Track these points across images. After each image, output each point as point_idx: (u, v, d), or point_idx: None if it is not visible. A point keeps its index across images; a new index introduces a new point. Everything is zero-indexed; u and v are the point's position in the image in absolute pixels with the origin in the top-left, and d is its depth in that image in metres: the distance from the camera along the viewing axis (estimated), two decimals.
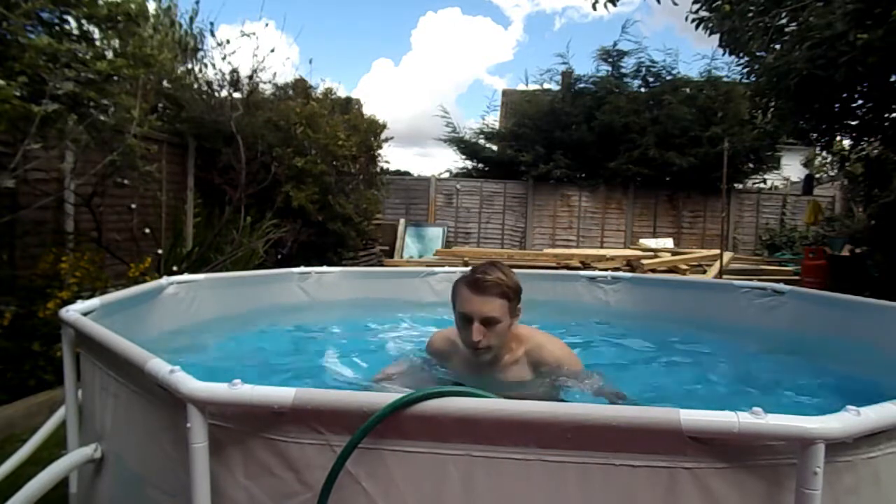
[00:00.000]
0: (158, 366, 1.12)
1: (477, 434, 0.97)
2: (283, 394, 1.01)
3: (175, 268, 4.39)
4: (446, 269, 3.36)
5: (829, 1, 5.81)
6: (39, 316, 3.35)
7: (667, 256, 10.22)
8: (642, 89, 14.20)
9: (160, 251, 4.69)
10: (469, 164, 15.50)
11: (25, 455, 1.78)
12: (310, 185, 7.08)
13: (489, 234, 13.77)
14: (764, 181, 14.56)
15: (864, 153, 8.04)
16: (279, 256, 6.53)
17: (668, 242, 12.69)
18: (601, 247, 12.84)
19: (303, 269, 3.05)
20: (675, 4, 6.77)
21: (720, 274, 8.48)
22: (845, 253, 8.62)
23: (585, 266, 9.10)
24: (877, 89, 6.50)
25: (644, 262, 9.66)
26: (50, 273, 3.68)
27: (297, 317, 2.96)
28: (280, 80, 7.93)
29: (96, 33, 3.66)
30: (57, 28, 3.43)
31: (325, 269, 3.14)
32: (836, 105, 7.15)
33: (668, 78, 14.04)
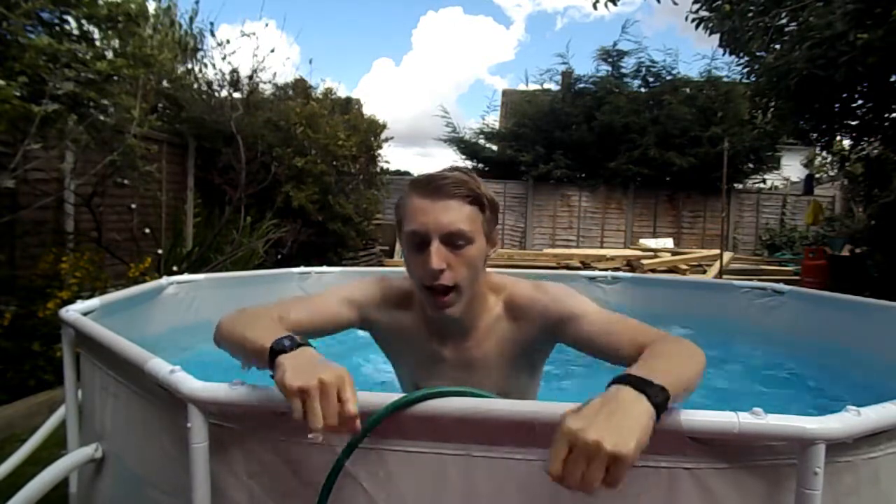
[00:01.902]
0: (158, 366, 1.12)
1: (477, 434, 0.96)
2: None
3: (175, 268, 4.39)
4: None
5: (829, 1, 5.81)
6: (39, 316, 3.35)
7: (667, 256, 10.23)
8: (642, 89, 14.23)
9: (160, 251, 4.69)
10: (469, 164, 15.51)
11: (25, 455, 1.78)
12: (310, 185, 7.08)
13: None
14: (764, 181, 14.58)
15: (864, 153, 8.04)
16: (279, 256, 6.53)
17: (668, 242, 12.70)
18: (601, 247, 12.85)
19: (303, 269, 3.05)
20: (676, 4, 6.78)
21: (720, 274, 8.48)
22: (845, 253, 8.62)
23: (585, 266, 9.10)
24: (877, 89, 6.51)
25: (644, 262, 9.66)
26: (50, 273, 3.68)
27: None
28: (280, 80, 7.95)
29: (96, 33, 3.66)
30: (57, 28, 3.43)
31: (325, 269, 3.14)
32: (836, 105, 7.16)
33: (668, 78, 14.07)
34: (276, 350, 0.96)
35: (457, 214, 1.18)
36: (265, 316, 1.16)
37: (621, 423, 0.77)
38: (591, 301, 1.27)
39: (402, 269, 1.31)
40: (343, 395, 0.87)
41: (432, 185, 1.20)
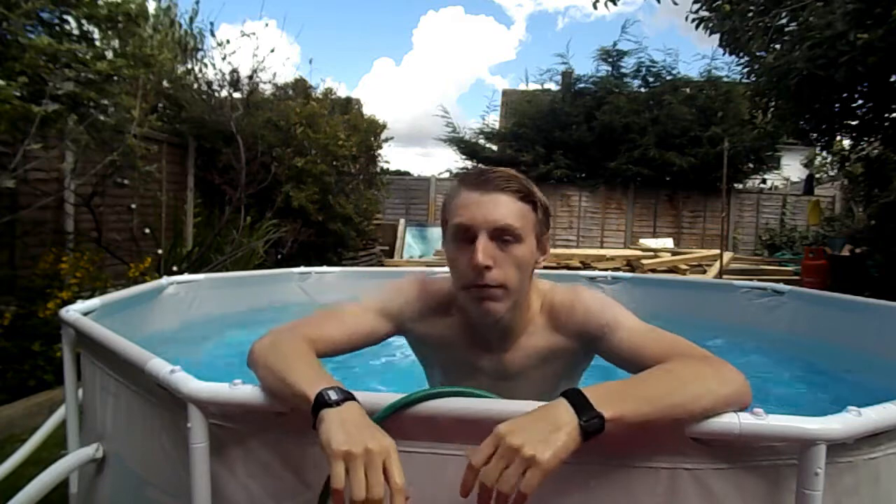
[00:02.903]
0: (159, 366, 1.12)
1: (477, 434, 0.96)
2: None
3: (175, 268, 4.40)
4: (446, 268, 3.35)
5: (829, 1, 5.81)
6: (39, 316, 3.35)
7: (667, 256, 10.22)
8: (642, 89, 14.21)
9: (160, 251, 4.70)
10: (469, 164, 15.51)
11: (25, 455, 1.78)
12: (310, 185, 7.08)
13: None
14: (764, 181, 14.58)
15: (864, 153, 8.04)
16: (279, 256, 6.53)
17: (668, 242, 12.69)
18: (601, 247, 12.85)
19: (303, 269, 3.05)
20: (676, 4, 6.78)
21: (720, 274, 8.48)
22: (845, 253, 8.62)
23: (585, 266, 9.10)
24: (877, 89, 6.51)
25: (644, 262, 9.66)
26: (50, 273, 3.68)
27: (297, 317, 2.96)
28: (280, 80, 7.95)
29: (96, 33, 3.66)
30: (57, 28, 3.43)
31: (325, 269, 3.14)
32: (836, 105, 7.16)
33: (669, 78, 14.05)
34: (321, 402, 0.88)
35: (507, 209, 1.12)
36: (302, 348, 1.07)
37: (546, 436, 0.80)
38: (629, 312, 1.20)
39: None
40: (389, 465, 0.82)
41: (482, 178, 1.14)
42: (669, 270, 9.43)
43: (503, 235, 1.12)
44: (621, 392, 0.88)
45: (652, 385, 0.92)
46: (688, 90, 13.57)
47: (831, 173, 13.53)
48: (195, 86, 6.82)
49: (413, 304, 1.29)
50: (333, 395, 0.89)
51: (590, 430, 0.82)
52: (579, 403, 0.84)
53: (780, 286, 2.79)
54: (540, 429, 0.81)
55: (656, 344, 1.08)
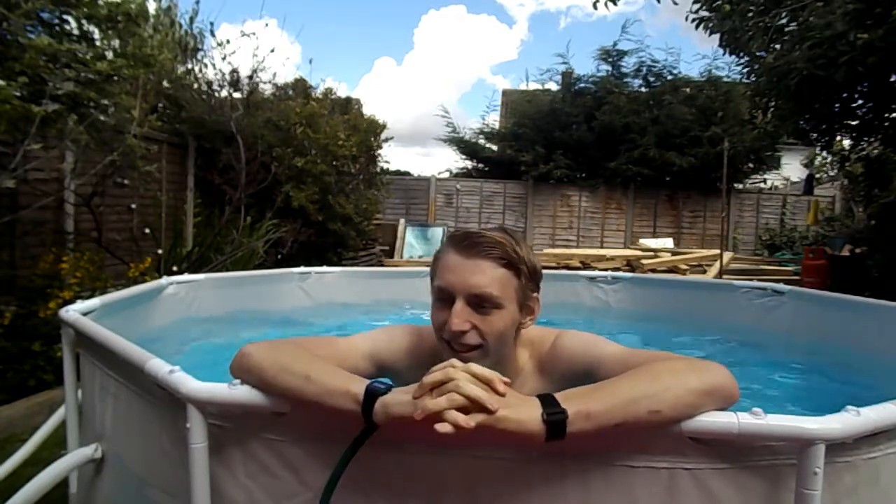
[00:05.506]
0: (158, 366, 1.12)
1: (477, 437, 0.96)
2: None
3: (175, 268, 4.40)
4: None
5: (829, 1, 5.81)
6: (39, 316, 3.35)
7: (667, 256, 10.22)
8: (643, 89, 14.21)
9: (160, 251, 4.70)
10: (469, 164, 15.52)
11: (25, 455, 1.78)
12: (310, 185, 7.08)
13: None
14: (764, 181, 14.57)
15: (864, 153, 8.04)
16: (279, 256, 6.53)
17: (668, 242, 12.69)
18: (601, 247, 12.85)
19: (303, 269, 3.05)
20: (676, 4, 6.77)
21: (720, 274, 8.48)
22: (845, 253, 8.62)
23: (585, 266, 9.11)
24: (877, 89, 6.50)
25: (644, 262, 9.66)
26: (50, 273, 3.68)
27: (297, 317, 2.96)
28: (280, 80, 7.94)
29: (96, 33, 3.66)
30: (57, 28, 3.43)
31: (325, 269, 3.13)
32: (836, 105, 7.15)
33: (669, 78, 14.05)
34: (376, 393, 0.93)
35: (486, 277, 1.13)
36: (311, 355, 1.08)
37: (515, 398, 0.90)
38: (612, 343, 1.22)
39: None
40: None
41: (468, 241, 1.16)
42: (669, 270, 9.43)
43: (481, 302, 1.14)
44: (589, 391, 0.93)
45: (621, 382, 0.95)
46: (688, 90, 13.57)
47: (831, 173, 13.53)
48: (195, 86, 6.82)
49: (403, 358, 1.30)
50: (382, 386, 0.95)
51: (552, 421, 0.86)
52: (547, 401, 0.89)
53: (780, 286, 2.79)
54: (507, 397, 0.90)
55: (636, 361, 1.08)
